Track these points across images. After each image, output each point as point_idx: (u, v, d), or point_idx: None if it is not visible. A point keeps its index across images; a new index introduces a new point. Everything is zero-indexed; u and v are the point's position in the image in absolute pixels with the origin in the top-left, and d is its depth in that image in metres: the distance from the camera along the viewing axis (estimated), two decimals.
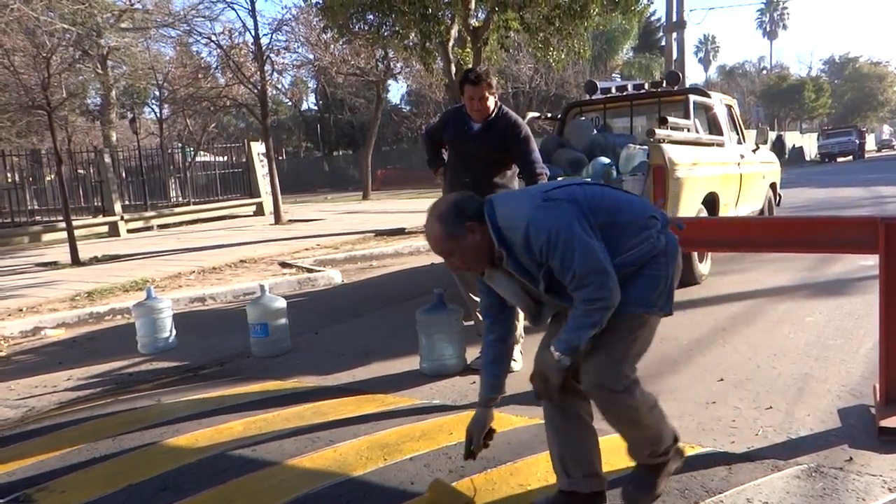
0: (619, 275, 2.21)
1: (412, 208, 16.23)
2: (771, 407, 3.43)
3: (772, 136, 38.55)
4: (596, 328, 2.20)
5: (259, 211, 18.50)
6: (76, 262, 10.17)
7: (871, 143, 51.79)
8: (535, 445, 3.06)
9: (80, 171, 17.64)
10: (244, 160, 19.23)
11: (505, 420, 3.41)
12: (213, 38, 17.46)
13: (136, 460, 3.26)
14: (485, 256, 2.31)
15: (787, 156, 34.91)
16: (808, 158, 42.57)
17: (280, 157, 38.53)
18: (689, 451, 2.94)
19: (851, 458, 2.81)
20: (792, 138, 45.32)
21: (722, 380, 3.89)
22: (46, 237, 14.51)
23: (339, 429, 3.42)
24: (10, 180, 17.15)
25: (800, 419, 3.26)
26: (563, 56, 11.34)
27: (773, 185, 8.86)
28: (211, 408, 3.90)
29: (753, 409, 3.43)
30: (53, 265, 10.30)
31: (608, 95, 8.03)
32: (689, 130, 6.65)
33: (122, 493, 2.93)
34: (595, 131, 7.49)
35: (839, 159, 38.26)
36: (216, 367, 4.85)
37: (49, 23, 12.46)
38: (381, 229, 12.15)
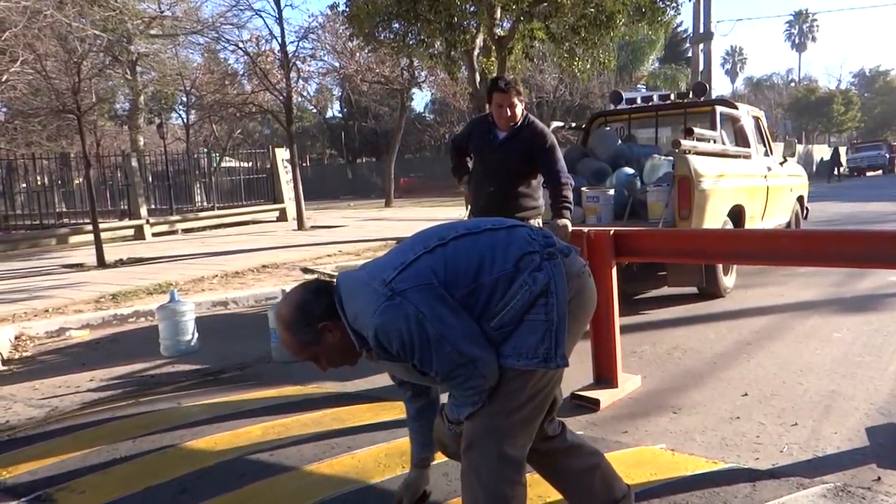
0: (501, 334, 1.95)
1: (434, 216, 16.23)
2: (797, 423, 3.36)
3: (823, 151, 38.50)
4: (477, 405, 1.97)
5: (282, 217, 18.62)
6: (102, 264, 10.29)
7: None
8: None
9: (108, 174, 17.89)
10: (268, 166, 19.38)
11: None
12: (241, 45, 17.68)
13: (156, 462, 3.27)
14: (353, 351, 2.03)
15: (843, 168, 35.41)
16: (836, 172, 41.99)
17: (304, 164, 38.81)
18: (713, 467, 2.90)
19: (880, 478, 2.74)
20: (820, 152, 44.73)
21: (746, 395, 3.83)
22: (73, 239, 14.72)
23: (358, 435, 3.42)
24: (39, 183, 17.43)
25: (826, 437, 3.19)
26: (588, 66, 11.31)
27: (800, 199, 8.74)
28: (230, 411, 3.92)
29: (778, 425, 3.36)
30: (79, 267, 10.43)
31: (633, 106, 7.99)
32: (715, 142, 6.58)
33: (140, 494, 2.94)
34: (619, 142, 7.45)
35: (868, 173, 37.74)
36: (237, 371, 4.87)
37: (81, 29, 12.66)
38: (403, 237, 12.15)
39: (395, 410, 3.82)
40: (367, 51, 16.02)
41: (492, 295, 1.93)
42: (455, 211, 15.08)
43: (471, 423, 2.00)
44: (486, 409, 1.97)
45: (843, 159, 41.54)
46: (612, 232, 3.89)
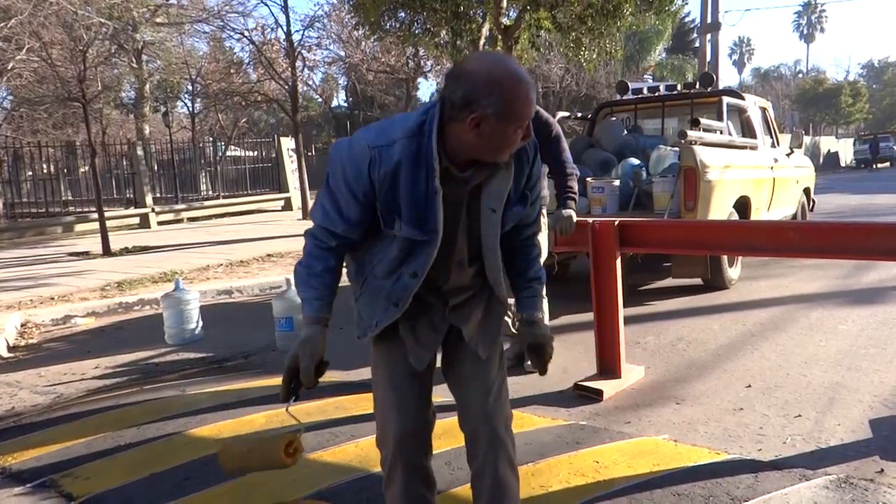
0: None
1: None
2: (800, 415, 3.36)
3: (830, 142, 38.53)
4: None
5: (287, 206, 18.63)
6: (107, 252, 10.33)
7: None
8: (559, 447, 3.03)
9: (114, 163, 17.91)
10: (274, 155, 19.38)
11: (527, 420, 3.39)
12: (246, 33, 17.65)
13: (160, 449, 3.29)
14: None
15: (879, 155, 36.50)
16: (843, 164, 41.83)
17: (309, 153, 38.60)
18: (716, 458, 2.90)
19: (883, 470, 2.74)
20: (827, 143, 44.53)
21: (750, 386, 3.82)
22: (79, 227, 14.77)
23: (361, 424, 3.42)
24: (45, 171, 17.47)
25: (829, 428, 3.19)
26: (594, 56, 11.24)
27: (806, 190, 8.71)
28: (235, 399, 3.93)
29: (782, 416, 3.36)
30: (85, 255, 10.47)
31: (640, 96, 7.95)
32: (721, 133, 6.55)
33: (145, 481, 2.96)
34: (626, 132, 7.42)
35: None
36: (241, 360, 4.89)
37: (86, 17, 12.64)
38: None
39: None
40: (372, 40, 15.92)
41: None
42: None
43: (478, 369, 1.94)
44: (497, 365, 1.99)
45: (849, 153, 41.49)
46: (617, 223, 3.88)
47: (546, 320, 1.88)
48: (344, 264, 1.90)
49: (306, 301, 1.83)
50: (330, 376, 4.29)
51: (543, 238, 4.26)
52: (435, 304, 1.90)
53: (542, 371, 1.97)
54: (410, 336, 1.90)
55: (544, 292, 1.95)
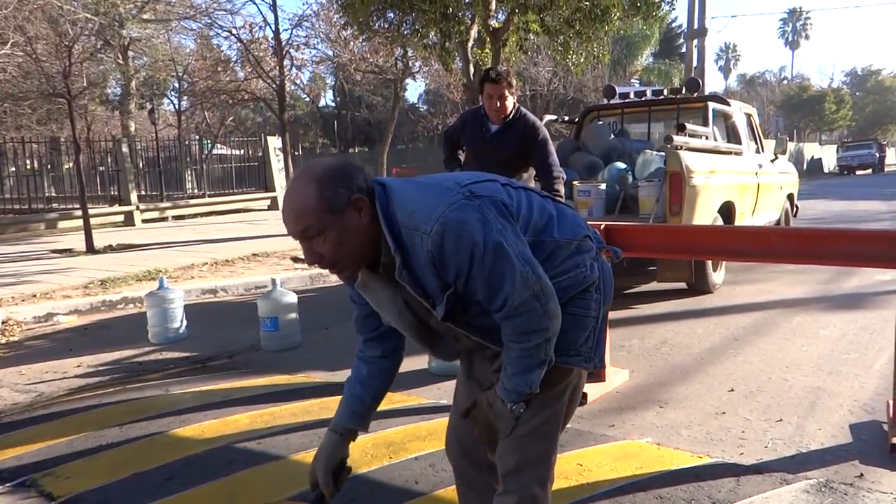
0: None
1: None
2: (781, 419, 3.39)
3: (814, 149, 38.62)
4: (547, 364, 1.65)
5: (274, 205, 18.54)
6: (91, 250, 10.24)
7: (891, 156, 51.23)
8: None
9: (99, 159, 17.76)
10: (260, 154, 19.29)
11: None
12: (234, 31, 17.54)
13: (143, 449, 3.27)
14: (366, 251, 1.63)
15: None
16: (826, 170, 42.24)
17: (296, 153, 38.50)
18: (698, 461, 2.92)
19: (862, 475, 2.77)
20: (811, 150, 44.94)
21: (732, 390, 3.85)
22: (62, 224, 14.63)
23: None
24: (29, 167, 17.29)
25: (810, 433, 3.22)
26: (582, 60, 11.27)
27: (790, 196, 8.78)
28: (218, 400, 3.91)
29: (763, 420, 3.39)
30: (68, 252, 10.37)
31: (626, 101, 7.99)
32: (707, 138, 6.60)
33: (127, 480, 2.94)
34: (612, 136, 7.46)
35: (858, 172, 37.95)
36: (225, 360, 4.87)
37: (72, 12, 12.55)
38: None
39: (383, 401, 3.82)
40: (361, 40, 15.90)
41: (548, 258, 1.68)
42: None
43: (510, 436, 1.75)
44: (527, 414, 1.73)
45: (833, 159, 41.83)
46: (602, 226, 3.90)
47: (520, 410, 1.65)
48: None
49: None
50: (314, 377, 4.30)
51: None
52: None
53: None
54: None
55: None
